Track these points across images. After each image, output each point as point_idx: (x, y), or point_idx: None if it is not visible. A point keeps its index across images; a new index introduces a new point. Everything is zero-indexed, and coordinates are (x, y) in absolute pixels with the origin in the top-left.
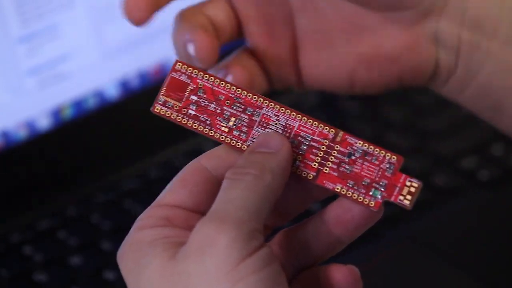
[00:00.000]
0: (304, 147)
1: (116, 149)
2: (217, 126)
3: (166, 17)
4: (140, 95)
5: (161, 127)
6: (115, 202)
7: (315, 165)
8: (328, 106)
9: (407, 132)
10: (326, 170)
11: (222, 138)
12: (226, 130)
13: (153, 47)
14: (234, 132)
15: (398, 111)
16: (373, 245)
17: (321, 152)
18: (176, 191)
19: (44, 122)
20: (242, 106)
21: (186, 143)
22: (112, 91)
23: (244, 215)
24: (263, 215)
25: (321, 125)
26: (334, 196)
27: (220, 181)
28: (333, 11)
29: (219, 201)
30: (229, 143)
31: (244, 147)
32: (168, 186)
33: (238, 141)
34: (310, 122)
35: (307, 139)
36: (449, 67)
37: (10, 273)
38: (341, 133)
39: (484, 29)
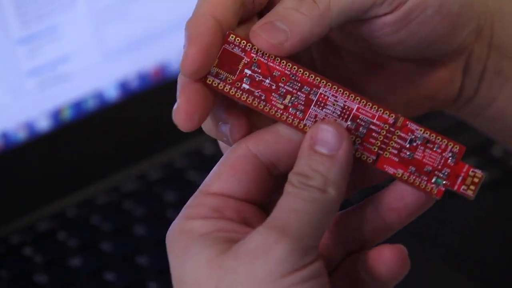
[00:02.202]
0: (364, 130)
1: (116, 150)
2: (272, 102)
3: (166, 19)
4: (140, 96)
5: (161, 128)
6: (115, 203)
7: (375, 149)
8: None
9: None
10: (386, 154)
11: (278, 115)
12: (282, 107)
13: (153, 48)
14: (290, 110)
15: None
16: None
17: (381, 136)
18: (225, 179)
19: (43, 123)
20: (299, 84)
21: (186, 144)
22: (112, 92)
23: (306, 230)
24: (324, 230)
25: (381, 109)
26: (377, 186)
27: (269, 169)
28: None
29: (282, 209)
30: (286, 120)
31: (301, 126)
32: (215, 171)
33: (295, 119)
34: (369, 105)
35: (366, 122)
36: (470, 92)
37: (10, 274)
38: (401, 119)
39: (507, 54)
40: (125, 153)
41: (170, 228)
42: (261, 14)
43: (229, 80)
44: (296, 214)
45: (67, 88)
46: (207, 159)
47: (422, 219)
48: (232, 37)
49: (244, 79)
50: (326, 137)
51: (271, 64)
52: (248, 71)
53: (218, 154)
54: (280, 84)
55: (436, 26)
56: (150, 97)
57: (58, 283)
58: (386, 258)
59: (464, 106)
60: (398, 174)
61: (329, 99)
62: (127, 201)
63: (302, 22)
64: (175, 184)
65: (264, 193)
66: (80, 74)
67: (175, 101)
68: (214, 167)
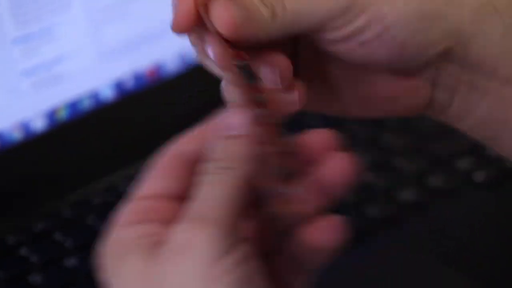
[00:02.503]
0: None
1: (112, 151)
2: None
3: (161, 20)
4: (135, 96)
5: (156, 128)
6: (112, 204)
7: None
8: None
9: (402, 134)
10: None
11: None
12: None
13: (149, 49)
14: None
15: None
16: (367, 247)
17: None
18: (155, 180)
19: (39, 124)
20: None
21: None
22: (108, 93)
23: (222, 213)
24: (240, 208)
25: None
26: None
27: (195, 165)
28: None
29: (195, 200)
30: None
31: None
32: (146, 175)
33: None
34: None
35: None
36: (444, 103)
37: (7, 275)
38: None
39: (484, 70)
40: (121, 154)
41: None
42: None
43: None
44: (209, 200)
45: (63, 88)
46: None
47: (418, 221)
48: None
49: None
50: (227, 120)
51: None
52: None
53: None
54: None
55: (379, 50)
56: (145, 97)
57: (55, 284)
58: (319, 227)
59: (440, 114)
60: None
61: None
62: (123, 201)
63: (260, 20)
64: None
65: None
66: (76, 74)
67: (171, 101)
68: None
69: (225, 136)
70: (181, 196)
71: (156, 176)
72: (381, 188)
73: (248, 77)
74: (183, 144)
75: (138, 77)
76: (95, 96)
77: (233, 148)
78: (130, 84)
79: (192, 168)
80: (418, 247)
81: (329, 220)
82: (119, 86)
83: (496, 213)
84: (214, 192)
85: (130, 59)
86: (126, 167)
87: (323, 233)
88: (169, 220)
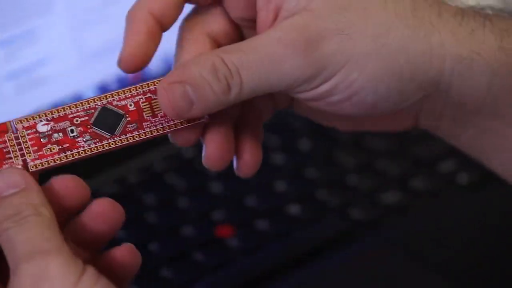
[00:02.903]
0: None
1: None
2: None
3: None
4: None
5: None
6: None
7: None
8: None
9: (386, 136)
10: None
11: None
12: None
13: None
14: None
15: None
16: (351, 249)
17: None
18: None
19: None
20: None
21: (166, 148)
22: (91, 96)
23: (57, 243)
24: (62, 237)
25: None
26: None
27: None
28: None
29: (18, 246)
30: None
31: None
32: None
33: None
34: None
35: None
36: (430, 127)
37: None
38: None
39: (467, 107)
40: (104, 157)
41: None
42: None
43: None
44: (35, 240)
45: (46, 91)
46: (186, 162)
47: (401, 223)
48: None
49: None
50: (4, 182)
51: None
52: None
53: (197, 157)
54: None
55: (349, 109)
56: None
57: None
58: (119, 258)
59: (430, 130)
60: None
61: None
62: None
63: (210, 99)
64: (154, 187)
65: None
66: (59, 77)
67: None
68: None
69: (8, 195)
70: None
71: None
72: (364, 190)
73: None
74: None
75: (121, 80)
76: (78, 99)
77: (25, 200)
78: (113, 87)
79: None
80: (401, 249)
81: (124, 246)
82: (102, 89)
83: (479, 215)
84: (31, 234)
85: (114, 61)
86: (109, 171)
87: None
88: None
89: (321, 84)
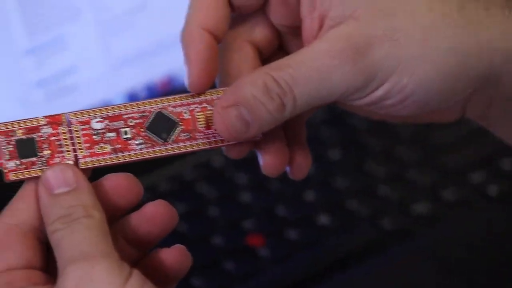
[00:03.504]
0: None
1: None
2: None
3: (174, 30)
4: None
5: None
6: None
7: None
8: (337, 121)
9: (416, 146)
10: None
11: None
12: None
13: (161, 59)
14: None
15: (407, 125)
16: (381, 259)
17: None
18: (0, 257)
19: None
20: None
21: (195, 157)
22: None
23: (105, 248)
24: (113, 246)
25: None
26: None
27: (34, 234)
28: None
29: (67, 249)
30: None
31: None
32: None
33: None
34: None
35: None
36: (477, 117)
37: None
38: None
39: None
40: (134, 165)
41: None
42: None
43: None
44: (83, 243)
45: (75, 98)
46: (215, 171)
47: (431, 234)
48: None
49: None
50: (57, 178)
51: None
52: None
53: (226, 167)
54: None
55: (400, 111)
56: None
57: None
58: (169, 261)
59: (477, 121)
60: None
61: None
62: None
63: (266, 119)
64: (185, 196)
65: (41, 257)
66: (88, 85)
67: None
68: None
69: (60, 194)
70: (30, 266)
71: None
72: (394, 200)
73: None
74: (9, 217)
75: (150, 88)
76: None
77: (76, 200)
78: (142, 95)
79: (28, 239)
80: (430, 259)
81: (176, 248)
82: (131, 97)
83: (509, 226)
84: (80, 237)
85: (143, 69)
86: (140, 179)
87: (172, 256)
88: (36, 283)
89: (372, 91)
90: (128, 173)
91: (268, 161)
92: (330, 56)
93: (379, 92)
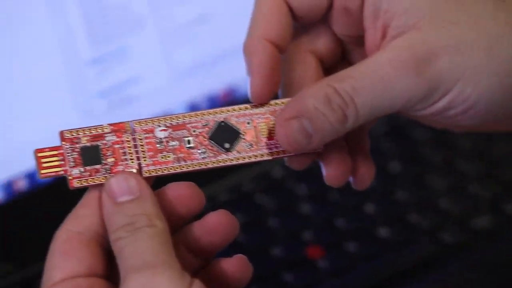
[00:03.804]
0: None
1: None
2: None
3: (235, 40)
4: None
5: None
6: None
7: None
8: (397, 133)
9: (476, 158)
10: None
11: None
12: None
13: (223, 70)
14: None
15: (467, 138)
16: (441, 272)
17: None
18: (64, 265)
19: None
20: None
21: (254, 168)
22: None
23: (166, 258)
24: (175, 255)
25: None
26: None
27: (98, 241)
28: None
29: (129, 257)
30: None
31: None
32: (49, 264)
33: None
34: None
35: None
36: None
37: None
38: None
39: None
40: (194, 174)
41: None
42: None
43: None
44: (146, 252)
45: (137, 109)
46: (275, 182)
47: (490, 248)
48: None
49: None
50: (121, 187)
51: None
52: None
53: (286, 177)
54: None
55: (462, 121)
56: None
57: None
58: (230, 270)
59: None
60: None
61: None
62: None
63: (328, 130)
64: (243, 207)
65: (104, 264)
66: (149, 95)
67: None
68: (47, 261)
69: (124, 202)
70: (93, 274)
71: (63, 261)
72: (455, 214)
73: None
74: (73, 225)
75: (211, 99)
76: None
77: (140, 208)
78: (203, 105)
79: (92, 246)
80: (491, 273)
81: (237, 258)
82: (192, 107)
83: None
84: (142, 246)
85: (204, 80)
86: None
87: (233, 266)
88: None
89: (435, 102)
90: (190, 182)
91: (331, 172)
92: (393, 66)
93: (442, 103)
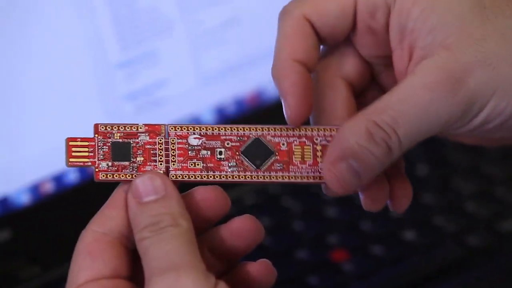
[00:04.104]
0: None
1: None
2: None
3: (263, 45)
4: (236, 121)
5: None
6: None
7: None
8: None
9: (503, 162)
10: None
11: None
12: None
13: (250, 74)
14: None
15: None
16: (467, 276)
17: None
18: (89, 266)
19: None
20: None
21: None
22: (208, 118)
23: (191, 258)
24: (200, 254)
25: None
26: None
27: (122, 243)
28: None
29: (154, 258)
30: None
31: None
32: (74, 265)
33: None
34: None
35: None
36: None
37: None
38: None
39: None
40: None
41: None
42: None
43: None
44: (171, 253)
45: (164, 112)
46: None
47: None
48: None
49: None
50: (146, 186)
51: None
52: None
53: None
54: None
55: (498, 134)
56: (246, 122)
57: None
58: (253, 273)
59: None
60: None
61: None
62: None
63: (375, 165)
64: (270, 209)
65: (128, 265)
66: (177, 98)
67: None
68: (72, 262)
69: (148, 202)
70: (117, 275)
71: (89, 262)
72: (481, 218)
73: None
74: (99, 225)
75: (239, 103)
76: (195, 120)
77: (165, 208)
78: (230, 109)
79: (117, 247)
80: None
81: (261, 262)
82: (219, 111)
83: None
84: (167, 247)
85: (232, 84)
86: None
87: (257, 270)
88: None
89: (472, 119)
90: (216, 186)
91: (369, 197)
92: (427, 89)
93: (479, 118)
